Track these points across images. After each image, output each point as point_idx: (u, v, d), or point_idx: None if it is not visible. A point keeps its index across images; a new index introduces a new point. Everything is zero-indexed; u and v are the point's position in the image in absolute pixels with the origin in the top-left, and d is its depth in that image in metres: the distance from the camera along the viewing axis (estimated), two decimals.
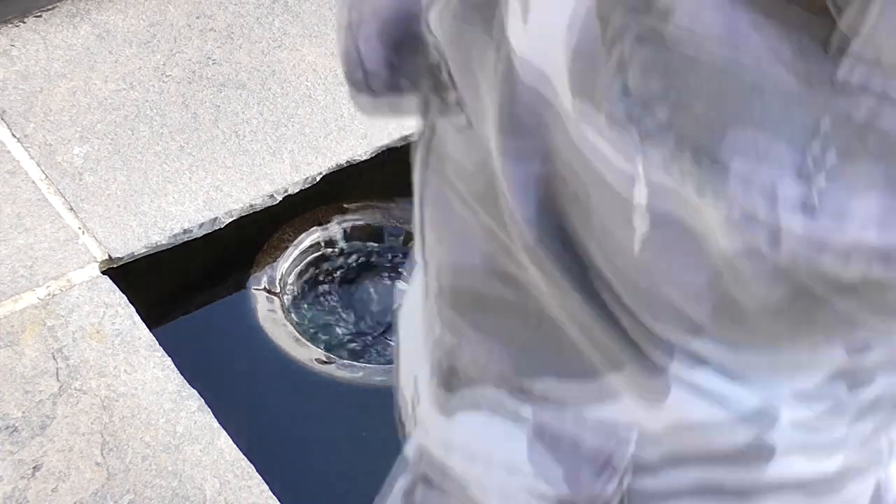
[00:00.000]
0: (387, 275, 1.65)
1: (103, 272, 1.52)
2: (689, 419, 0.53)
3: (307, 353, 1.49)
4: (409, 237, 1.67)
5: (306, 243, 1.64)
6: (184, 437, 1.36)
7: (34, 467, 1.31)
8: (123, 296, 1.49)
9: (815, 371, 0.52)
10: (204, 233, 1.59)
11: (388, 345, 1.59)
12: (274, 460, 1.53)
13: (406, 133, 1.73)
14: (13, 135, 1.66)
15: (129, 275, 1.56)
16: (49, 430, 1.35)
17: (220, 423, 1.38)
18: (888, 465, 0.60)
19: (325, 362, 1.48)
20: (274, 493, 1.33)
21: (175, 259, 1.60)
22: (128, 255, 1.54)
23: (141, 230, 1.56)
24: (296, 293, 1.62)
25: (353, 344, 1.59)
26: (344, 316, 1.62)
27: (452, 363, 0.62)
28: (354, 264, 1.66)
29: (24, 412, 1.36)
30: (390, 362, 1.56)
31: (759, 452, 0.54)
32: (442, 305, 0.60)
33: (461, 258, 0.57)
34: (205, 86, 1.75)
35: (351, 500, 1.60)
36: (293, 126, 1.71)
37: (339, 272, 1.65)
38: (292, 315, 1.56)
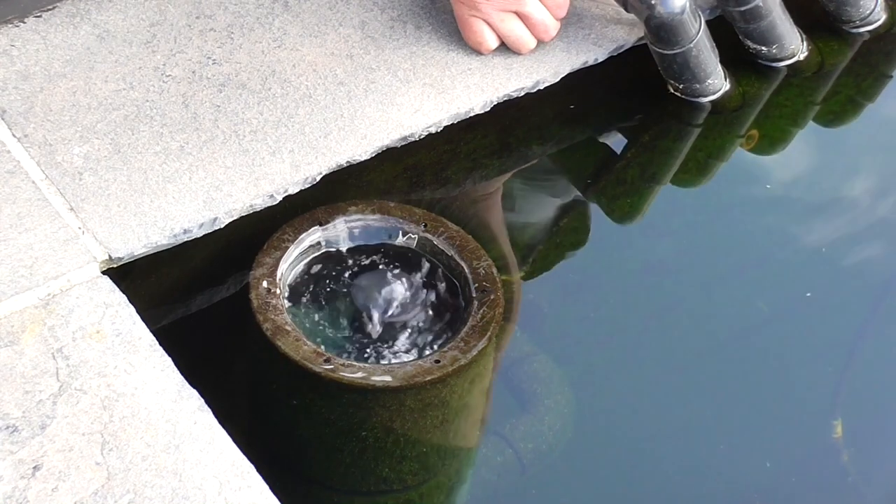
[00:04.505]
0: (386, 275, 1.65)
1: (103, 272, 1.52)
2: None
3: (307, 353, 1.49)
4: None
5: (306, 243, 1.64)
6: (184, 437, 1.36)
7: (34, 467, 1.31)
8: (123, 296, 1.49)
9: None
10: (204, 233, 1.59)
11: (389, 345, 1.59)
12: (274, 460, 1.53)
13: (406, 133, 1.73)
14: (13, 135, 1.66)
15: (129, 275, 1.56)
16: (49, 430, 1.35)
17: (220, 423, 1.38)
18: None
19: (325, 362, 1.48)
20: (274, 493, 1.33)
21: (175, 259, 1.60)
22: (128, 255, 1.54)
23: (141, 230, 1.56)
24: (296, 293, 1.62)
25: (354, 344, 1.59)
26: (344, 316, 1.62)
27: None
28: (354, 264, 1.66)
29: (24, 412, 1.36)
30: (390, 362, 1.56)
31: None
32: None
33: None
34: (205, 86, 1.75)
35: (351, 501, 1.61)
36: (293, 126, 1.72)
37: (339, 272, 1.65)
38: (292, 315, 1.56)
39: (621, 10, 1.92)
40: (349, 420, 1.51)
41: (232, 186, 1.63)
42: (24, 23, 1.80)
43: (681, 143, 1.98)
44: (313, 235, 1.64)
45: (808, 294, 1.83)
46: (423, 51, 1.85)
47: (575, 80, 1.88)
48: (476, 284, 1.60)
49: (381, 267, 1.66)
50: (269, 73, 1.78)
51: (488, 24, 1.81)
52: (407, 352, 1.58)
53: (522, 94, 1.83)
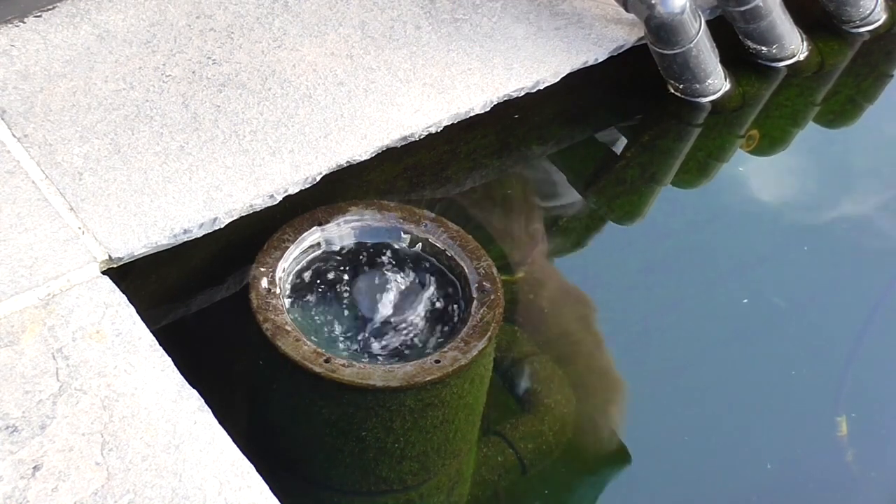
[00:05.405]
0: (387, 275, 1.65)
1: (103, 272, 1.52)
2: None
3: (307, 353, 1.49)
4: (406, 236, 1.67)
5: (306, 243, 1.64)
6: (184, 437, 1.36)
7: (34, 467, 1.31)
8: (123, 296, 1.49)
9: None
10: (204, 233, 1.59)
11: (388, 344, 1.59)
12: (274, 460, 1.53)
13: (406, 133, 1.73)
14: (13, 135, 1.66)
15: (129, 275, 1.56)
16: (49, 430, 1.35)
17: (219, 423, 1.38)
18: None
19: (325, 362, 1.48)
20: (274, 493, 1.33)
21: (175, 259, 1.61)
22: (128, 255, 1.54)
23: (141, 230, 1.56)
24: (296, 293, 1.62)
25: (354, 343, 1.59)
26: (344, 315, 1.62)
27: None
28: (354, 264, 1.66)
29: (24, 412, 1.36)
30: (390, 362, 1.56)
31: None
32: None
33: None
34: (205, 86, 1.75)
35: (351, 501, 1.61)
36: (293, 126, 1.72)
37: (339, 272, 1.65)
38: (292, 315, 1.56)
39: (621, 10, 1.92)
40: (349, 420, 1.51)
41: (232, 186, 1.63)
42: (24, 23, 1.80)
43: (681, 143, 1.99)
44: (313, 235, 1.64)
45: (745, 300, 1.83)
46: (423, 51, 1.85)
47: (575, 80, 1.88)
48: (476, 284, 1.60)
49: (380, 266, 1.66)
50: (269, 73, 1.78)
51: None
52: (406, 351, 1.58)
53: (522, 94, 1.83)
